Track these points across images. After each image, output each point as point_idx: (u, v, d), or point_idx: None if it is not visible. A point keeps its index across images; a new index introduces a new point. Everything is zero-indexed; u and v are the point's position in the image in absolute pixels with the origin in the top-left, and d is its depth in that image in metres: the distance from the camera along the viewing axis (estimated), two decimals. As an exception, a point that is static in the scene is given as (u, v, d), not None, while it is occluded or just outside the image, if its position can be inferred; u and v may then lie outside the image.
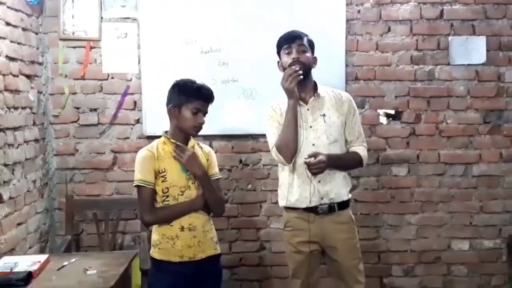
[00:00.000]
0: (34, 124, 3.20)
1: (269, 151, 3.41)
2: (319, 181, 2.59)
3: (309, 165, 2.51)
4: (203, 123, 2.46)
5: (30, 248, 3.10)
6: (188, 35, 3.39)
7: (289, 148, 2.57)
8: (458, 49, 3.49)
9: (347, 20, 3.44)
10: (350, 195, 2.70)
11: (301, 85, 2.58)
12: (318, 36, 3.30)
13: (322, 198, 2.59)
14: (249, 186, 3.54)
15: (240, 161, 3.53)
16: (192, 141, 2.54)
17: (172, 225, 2.43)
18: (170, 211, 2.44)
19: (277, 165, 3.46)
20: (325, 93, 2.68)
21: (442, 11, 3.48)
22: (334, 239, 2.63)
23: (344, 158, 2.67)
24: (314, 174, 2.54)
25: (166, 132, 2.51)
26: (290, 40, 2.61)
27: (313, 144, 2.59)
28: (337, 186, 2.62)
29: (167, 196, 2.43)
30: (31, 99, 3.16)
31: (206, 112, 2.48)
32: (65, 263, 2.50)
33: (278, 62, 2.69)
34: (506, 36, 3.49)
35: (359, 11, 3.47)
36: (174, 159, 2.44)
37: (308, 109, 2.63)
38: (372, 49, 3.49)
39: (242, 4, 3.41)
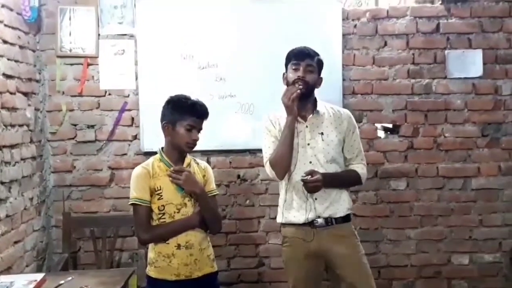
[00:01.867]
0: (31, 141, 3.19)
1: (267, 166, 3.49)
2: (316, 199, 2.57)
3: (305, 183, 2.50)
4: (197, 140, 2.46)
5: (27, 266, 3.07)
6: (185, 51, 3.40)
7: (282, 164, 2.56)
8: (455, 62, 3.50)
9: (344, 35, 3.46)
10: (350, 211, 2.66)
11: (302, 103, 2.56)
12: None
13: (319, 216, 2.57)
14: (247, 202, 3.53)
15: (238, 177, 3.52)
16: (188, 158, 2.53)
17: (168, 243, 2.42)
18: (166, 229, 2.42)
19: (275, 181, 3.49)
20: (324, 110, 2.66)
21: (438, 25, 3.50)
22: (333, 253, 2.58)
23: (341, 176, 2.64)
24: (310, 192, 2.53)
25: (162, 148, 2.51)
26: (300, 57, 2.59)
27: (310, 162, 2.58)
28: (334, 204, 2.59)
29: (164, 214, 2.42)
30: (28, 116, 3.16)
31: (201, 129, 2.48)
32: (62, 281, 2.47)
33: (284, 74, 2.66)
34: (503, 49, 3.50)
35: (355, 26, 3.49)
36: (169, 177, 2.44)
37: (306, 126, 2.61)
38: (369, 64, 3.50)
39: (239, 19, 3.43)
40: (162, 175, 2.44)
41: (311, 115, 2.63)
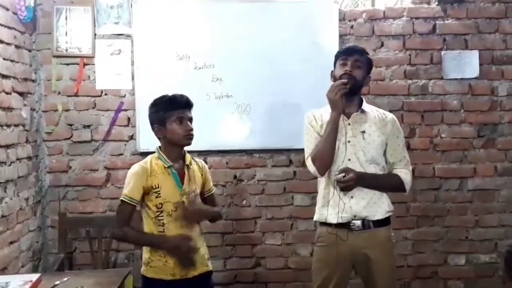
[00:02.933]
0: (27, 141, 3.18)
1: (264, 166, 3.49)
2: (352, 197, 2.50)
3: (338, 181, 2.47)
4: (191, 129, 2.45)
5: (22, 267, 3.06)
6: (181, 51, 3.39)
7: (324, 160, 2.50)
8: (451, 63, 3.50)
9: (340, 36, 3.45)
10: (388, 214, 2.56)
11: (348, 99, 2.51)
12: (311, 52, 3.37)
13: (354, 216, 2.49)
14: (244, 202, 3.52)
15: (235, 177, 3.51)
16: (188, 157, 2.52)
17: None
18: (138, 237, 2.46)
19: (272, 181, 3.51)
20: (369, 110, 2.60)
21: (434, 26, 3.50)
22: (367, 257, 2.51)
23: (380, 179, 2.55)
24: (343, 190, 2.48)
25: (160, 147, 2.50)
26: (348, 53, 2.55)
27: (349, 160, 2.51)
28: (373, 205, 2.51)
29: (161, 212, 2.42)
30: (24, 116, 3.15)
31: (191, 118, 2.47)
32: (57, 282, 2.45)
33: (332, 72, 2.61)
34: (499, 50, 3.51)
35: (352, 27, 3.49)
36: (168, 175, 2.43)
37: (349, 124, 2.54)
38: (366, 64, 3.50)
39: (235, 20, 3.42)
40: (160, 173, 2.43)
41: (355, 113, 2.56)
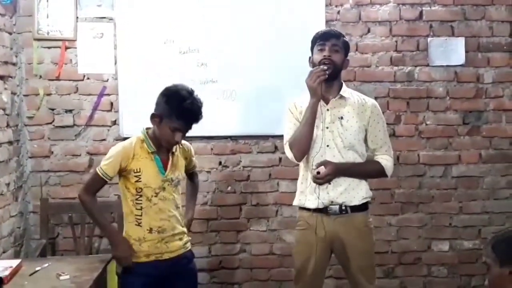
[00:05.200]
0: (7, 125, 3.12)
1: (249, 152, 3.47)
2: (329, 183, 2.51)
3: (315, 177, 2.49)
4: (179, 142, 2.42)
5: (4, 252, 3.02)
6: (165, 35, 3.34)
7: (301, 146, 2.51)
8: (437, 50, 3.49)
9: (327, 21, 3.42)
10: (366, 200, 2.59)
11: (327, 85, 2.52)
12: (297, 37, 3.33)
13: (332, 202, 2.52)
14: (229, 188, 3.50)
15: (220, 163, 3.49)
16: None
17: (141, 226, 2.41)
18: (94, 213, 2.47)
19: (257, 167, 3.49)
20: (349, 95, 2.60)
21: (421, 12, 3.48)
22: (343, 242, 2.54)
23: (360, 167, 2.57)
24: (319, 184, 2.50)
25: (147, 130, 2.46)
26: (325, 38, 2.53)
27: (327, 146, 2.52)
28: (351, 191, 2.54)
29: (140, 196, 2.40)
30: (5, 100, 3.09)
31: (188, 130, 2.42)
32: (38, 268, 2.45)
33: (310, 58, 2.60)
34: (485, 37, 3.51)
35: (338, 12, 3.46)
36: (151, 160, 2.40)
37: (328, 110, 2.55)
38: (352, 50, 3.44)
39: (220, 4, 3.37)
40: (143, 157, 2.41)
41: (334, 99, 2.56)
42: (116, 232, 2.56)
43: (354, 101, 2.59)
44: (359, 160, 2.57)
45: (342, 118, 2.54)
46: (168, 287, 2.47)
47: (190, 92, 2.39)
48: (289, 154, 2.58)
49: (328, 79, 2.48)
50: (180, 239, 2.50)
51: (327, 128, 2.53)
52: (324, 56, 2.49)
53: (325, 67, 2.45)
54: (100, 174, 2.40)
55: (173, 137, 2.37)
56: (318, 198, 2.51)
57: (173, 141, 2.38)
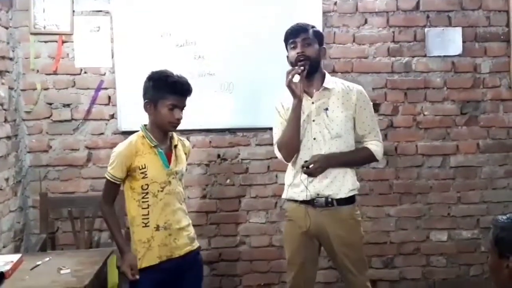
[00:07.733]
0: (5, 121, 3.12)
1: (247, 145, 3.48)
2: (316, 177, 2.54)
3: (305, 172, 2.51)
4: (180, 118, 2.40)
5: (4, 247, 3.02)
6: (162, 28, 3.33)
7: (288, 147, 2.56)
8: (435, 40, 3.49)
9: (324, 12, 3.42)
10: (353, 192, 2.58)
11: (308, 79, 2.53)
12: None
13: (318, 194, 2.53)
14: (228, 181, 3.51)
15: (218, 156, 3.49)
16: (175, 137, 2.50)
17: (148, 226, 2.39)
18: (109, 224, 2.48)
19: (256, 160, 3.49)
20: (334, 85, 2.59)
21: (418, 3, 3.48)
22: (330, 235, 2.54)
23: (349, 155, 2.57)
24: (312, 176, 2.52)
25: (145, 125, 2.46)
26: (295, 34, 2.54)
27: (315, 139, 2.54)
28: (336, 183, 2.54)
29: (147, 193, 2.38)
30: (2, 95, 3.08)
31: (184, 106, 2.42)
32: (39, 262, 2.45)
33: (287, 57, 2.61)
34: (482, 27, 3.51)
35: (335, 3, 3.46)
36: (154, 154, 2.40)
37: (312, 103, 2.56)
38: (349, 42, 3.48)
39: (217, -3, 3.36)
40: (146, 152, 2.39)
41: (317, 91, 2.57)
42: (126, 247, 2.47)
43: (339, 90, 2.59)
44: (346, 150, 2.58)
45: (327, 109, 2.55)
46: (177, 282, 2.45)
47: (171, 71, 2.42)
48: (278, 155, 2.64)
49: (308, 74, 2.50)
50: (187, 232, 2.48)
51: (313, 121, 2.55)
52: (298, 53, 2.51)
53: (301, 68, 2.47)
54: (109, 179, 2.40)
55: (173, 116, 2.36)
56: (307, 189, 2.53)
57: (174, 119, 2.37)
